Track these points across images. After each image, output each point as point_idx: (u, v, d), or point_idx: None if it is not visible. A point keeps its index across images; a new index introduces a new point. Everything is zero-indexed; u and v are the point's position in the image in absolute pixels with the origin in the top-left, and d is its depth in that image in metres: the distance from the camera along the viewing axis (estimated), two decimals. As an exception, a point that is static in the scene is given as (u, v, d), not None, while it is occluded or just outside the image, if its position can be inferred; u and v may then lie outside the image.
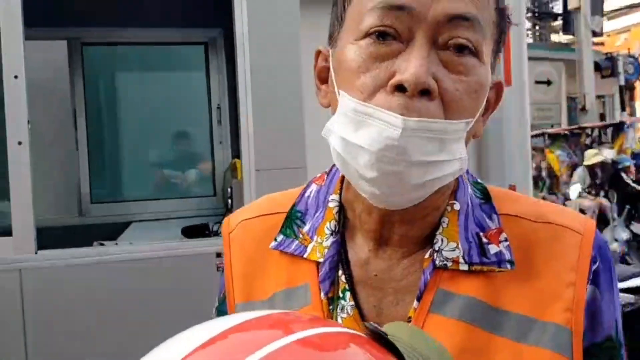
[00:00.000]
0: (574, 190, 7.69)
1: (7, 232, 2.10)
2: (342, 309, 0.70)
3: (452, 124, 0.61)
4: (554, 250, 0.67)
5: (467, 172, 0.73)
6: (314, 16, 1.59)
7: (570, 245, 0.67)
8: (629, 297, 4.39)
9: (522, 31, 2.44)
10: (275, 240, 0.76)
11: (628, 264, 5.45)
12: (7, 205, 2.11)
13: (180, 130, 3.89)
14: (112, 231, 3.00)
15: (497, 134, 2.59)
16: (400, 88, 0.60)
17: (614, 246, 5.79)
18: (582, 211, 6.40)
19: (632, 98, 16.46)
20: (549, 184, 9.83)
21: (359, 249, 0.72)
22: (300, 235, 0.75)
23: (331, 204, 0.75)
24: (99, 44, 3.56)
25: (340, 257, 0.72)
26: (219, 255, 2.23)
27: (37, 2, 2.39)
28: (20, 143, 2.07)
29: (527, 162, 2.48)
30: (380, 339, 0.51)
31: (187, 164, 3.85)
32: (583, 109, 12.37)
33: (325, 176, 0.79)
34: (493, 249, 0.67)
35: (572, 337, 0.64)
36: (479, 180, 0.75)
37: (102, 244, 2.50)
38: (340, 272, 0.71)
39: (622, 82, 14.97)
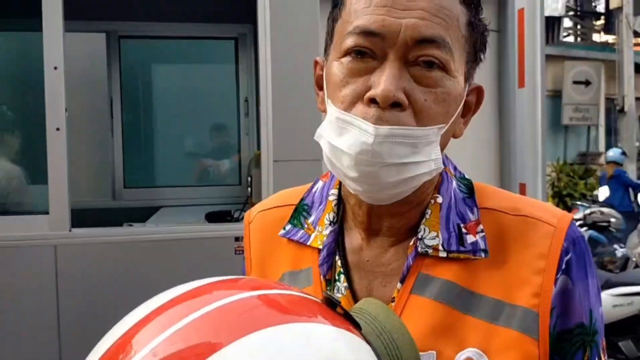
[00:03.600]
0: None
1: (44, 211, 2.27)
2: (338, 289, 0.78)
3: (421, 130, 0.69)
4: (526, 240, 0.73)
5: (455, 169, 0.82)
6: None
7: (542, 235, 0.73)
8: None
9: (536, 34, 2.49)
10: (284, 229, 0.85)
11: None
12: (45, 187, 2.27)
13: (213, 122, 4.03)
14: (142, 214, 3.14)
15: (512, 134, 2.66)
16: (373, 101, 0.68)
17: (640, 249, 5.72)
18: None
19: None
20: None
21: (354, 237, 0.80)
22: (306, 225, 0.84)
23: (331, 198, 0.83)
24: (135, 37, 3.71)
25: (337, 244, 0.80)
26: (237, 239, 2.37)
27: (78, -2, 2.54)
28: (58, 129, 2.21)
29: (538, 162, 2.52)
30: (334, 307, 0.57)
31: (217, 154, 3.98)
32: (621, 110, 12.11)
33: (330, 173, 0.86)
34: (470, 238, 0.74)
35: (538, 321, 0.69)
36: (466, 177, 0.81)
37: (131, 225, 2.66)
38: (337, 257, 0.80)
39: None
